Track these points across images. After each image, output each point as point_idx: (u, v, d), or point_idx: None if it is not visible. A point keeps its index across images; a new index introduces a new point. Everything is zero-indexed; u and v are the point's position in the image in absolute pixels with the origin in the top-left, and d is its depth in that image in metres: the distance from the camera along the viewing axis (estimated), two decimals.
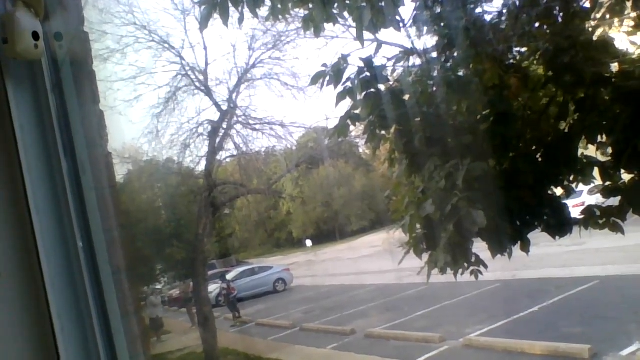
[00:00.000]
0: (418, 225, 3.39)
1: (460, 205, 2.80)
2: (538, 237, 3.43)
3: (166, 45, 12.02)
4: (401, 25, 3.57)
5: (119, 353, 0.98)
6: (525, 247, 3.35)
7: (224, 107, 12.26)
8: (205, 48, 15.28)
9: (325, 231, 43.14)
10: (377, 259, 24.41)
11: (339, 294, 19.09)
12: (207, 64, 12.37)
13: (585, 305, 10.20)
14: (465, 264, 3.30)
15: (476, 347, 9.31)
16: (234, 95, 12.43)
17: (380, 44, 3.71)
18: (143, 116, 25.34)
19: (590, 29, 3.54)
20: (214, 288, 19.51)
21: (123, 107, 12.13)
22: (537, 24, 3.49)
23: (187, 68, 12.20)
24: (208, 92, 12.24)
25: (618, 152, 3.16)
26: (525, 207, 3.25)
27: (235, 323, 17.80)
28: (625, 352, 7.34)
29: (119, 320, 0.99)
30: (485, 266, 3.36)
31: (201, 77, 12.26)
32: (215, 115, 12.51)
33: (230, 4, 3.07)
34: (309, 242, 38.34)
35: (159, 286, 21.55)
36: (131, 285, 1.05)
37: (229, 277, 21.47)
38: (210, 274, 16.76)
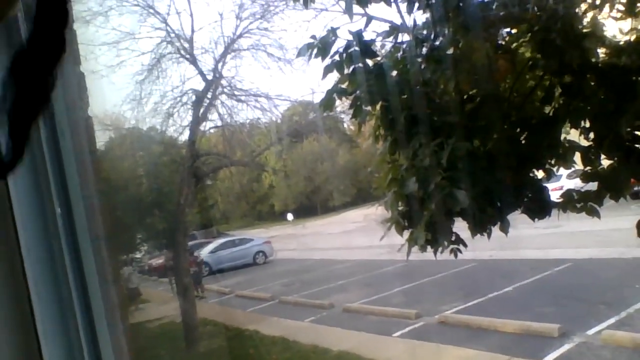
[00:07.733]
0: (400, 203, 3.42)
1: (443, 184, 2.82)
2: (516, 219, 3.48)
3: (151, 10, 11.72)
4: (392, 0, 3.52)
5: (96, 321, 0.97)
6: (505, 228, 3.39)
7: (209, 77, 12.06)
8: (191, 15, 14.91)
9: (307, 205, 43.28)
10: (358, 235, 24.64)
11: (318, 268, 19.27)
12: (193, 32, 12.13)
13: (558, 287, 10.48)
14: (445, 243, 3.34)
15: (451, 324, 9.53)
16: (219, 65, 12.24)
17: (370, 18, 3.66)
18: (126, 82, 24.74)
19: (580, 13, 3.53)
20: None
21: (105, 72, 11.85)
22: (528, 6, 3.47)
23: (172, 35, 11.94)
24: (193, 61, 12.02)
25: (600, 137, 3.20)
26: (506, 189, 3.28)
27: (200, 294, 16.46)
28: (591, 332, 7.61)
29: (97, 288, 0.98)
30: (465, 245, 3.41)
31: (186, 45, 12.02)
32: (200, 85, 12.32)
33: None
34: (290, 216, 38.39)
35: (138, 255, 21.46)
36: (110, 253, 1.02)
37: (209, 248, 21.43)
38: (190, 245, 16.68)
